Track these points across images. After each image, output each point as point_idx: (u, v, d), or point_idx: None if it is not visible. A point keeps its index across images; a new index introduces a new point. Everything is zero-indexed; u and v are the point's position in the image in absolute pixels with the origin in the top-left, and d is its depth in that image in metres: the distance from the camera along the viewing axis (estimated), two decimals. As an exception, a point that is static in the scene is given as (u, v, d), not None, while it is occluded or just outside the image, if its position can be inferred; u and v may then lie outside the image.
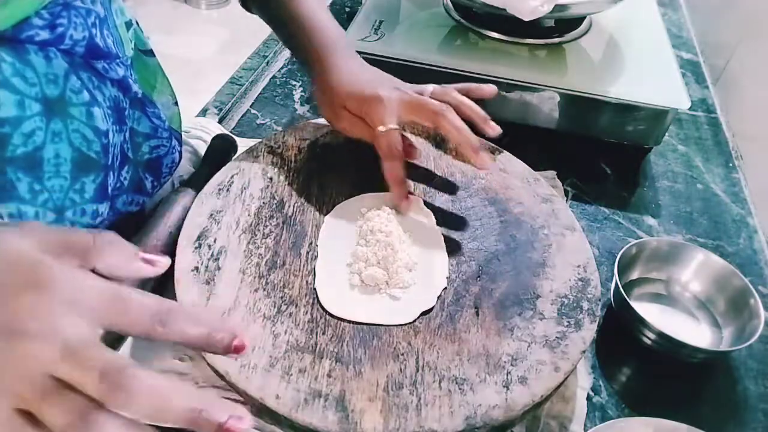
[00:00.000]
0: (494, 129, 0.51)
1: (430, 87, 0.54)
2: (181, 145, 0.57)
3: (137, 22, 0.53)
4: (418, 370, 0.40)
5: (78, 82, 0.43)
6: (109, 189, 0.46)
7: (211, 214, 0.49)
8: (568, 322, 0.44)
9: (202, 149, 0.63)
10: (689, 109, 0.67)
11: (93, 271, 0.29)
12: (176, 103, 0.57)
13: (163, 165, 0.55)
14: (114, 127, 0.46)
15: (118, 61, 0.47)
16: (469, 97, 0.53)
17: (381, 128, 0.50)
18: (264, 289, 0.44)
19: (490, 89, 0.55)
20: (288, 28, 0.59)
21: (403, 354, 0.41)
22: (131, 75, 0.49)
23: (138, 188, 0.51)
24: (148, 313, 0.26)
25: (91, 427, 0.23)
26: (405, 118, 0.51)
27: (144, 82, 0.53)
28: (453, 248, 0.49)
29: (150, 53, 0.55)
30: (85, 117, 0.43)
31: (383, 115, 0.50)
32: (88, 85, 0.44)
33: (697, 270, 0.56)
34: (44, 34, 0.40)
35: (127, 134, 0.49)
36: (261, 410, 0.38)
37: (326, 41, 0.57)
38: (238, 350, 0.27)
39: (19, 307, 0.25)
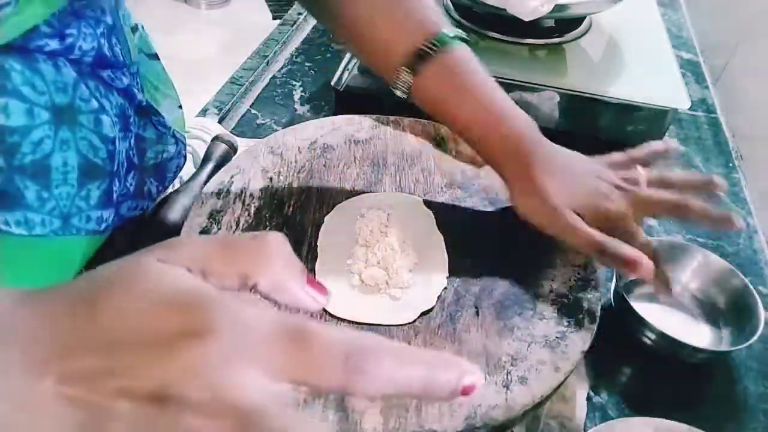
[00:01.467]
0: (722, 185, 0.48)
1: (642, 172, 0.47)
2: (185, 149, 0.57)
3: (142, 26, 0.53)
4: (418, 370, 0.40)
5: (86, 91, 0.43)
6: (115, 195, 0.47)
7: (211, 214, 0.49)
8: (568, 322, 0.44)
9: (202, 149, 0.63)
10: (689, 109, 0.67)
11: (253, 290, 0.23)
12: (180, 107, 0.57)
13: (168, 170, 0.55)
14: (120, 134, 0.46)
15: (124, 70, 0.47)
16: (655, 157, 0.50)
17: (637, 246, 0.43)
18: (264, 289, 0.44)
19: (675, 146, 0.51)
20: (460, 102, 0.49)
21: (403, 354, 0.41)
22: (136, 84, 0.49)
23: (143, 193, 0.51)
24: (342, 358, 0.19)
25: None
26: (638, 217, 0.46)
27: (149, 86, 0.53)
28: (453, 248, 0.49)
29: (155, 57, 0.55)
30: (93, 125, 0.43)
31: (632, 231, 0.45)
32: (96, 93, 0.44)
33: (697, 270, 0.56)
34: (53, 44, 0.40)
35: (132, 141, 0.49)
36: None
37: (520, 128, 0.48)
38: (467, 392, 0.20)
39: (174, 365, 0.19)
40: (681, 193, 0.47)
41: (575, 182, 0.46)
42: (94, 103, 0.43)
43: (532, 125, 0.48)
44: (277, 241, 0.24)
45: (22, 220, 0.40)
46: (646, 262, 0.42)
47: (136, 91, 0.48)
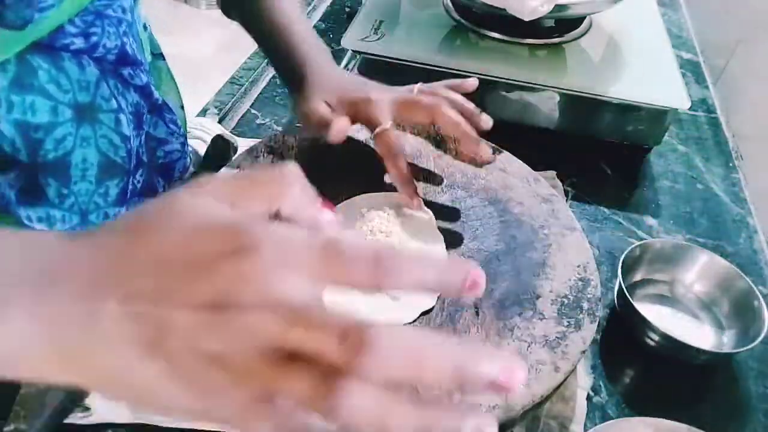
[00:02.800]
0: (486, 121, 0.51)
1: (417, 86, 0.53)
2: (188, 148, 0.58)
3: (149, 25, 0.54)
4: (418, 370, 0.40)
5: (107, 90, 0.43)
6: (128, 192, 0.47)
7: (211, 214, 0.49)
8: (568, 322, 0.44)
9: (202, 149, 0.63)
10: (689, 109, 0.67)
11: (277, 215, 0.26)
12: (182, 107, 0.58)
13: (175, 169, 0.55)
14: (133, 132, 0.47)
15: (142, 67, 0.47)
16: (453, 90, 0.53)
17: (378, 129, 0.49)
18: (264, 289, 0.44)
19: (472, 83, 0.54)
20: (270, 38, 0.57)
21: (403, 354, 0.41)
22: (152, 81, 0.49)
23: (150, 191, 0.52)
24: (370, 260, 0.22)
25: (338, 397, 0.19)
26: (400, 117, 0.51)
27: (154, 85, 0.53)
28: (453, 248, 0.49)
29: (160, 56, 0.55)
30: (113, 123, 0.44)
31: (378, 115, 0.49)
32: (115, 92, 0.44)
33: (700, 272, 0.56)
34: (79, 43, 0.41)
35: (143, 138, 0.49)
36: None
37: (311, 50, 0.56)
38: (473, 288, 0.22)
39: (226, 277, 0.21)
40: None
41: (346, 84, 0.52)
42: (114, 103, 0.44)
43: (322, 51, 0.56)
44: (293, 170, 0.26)
45: (44, 216, 0.41)
46: (340, 127, 0.49)
47: (153, 88, 0.49)
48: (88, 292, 0.21)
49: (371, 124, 0.50)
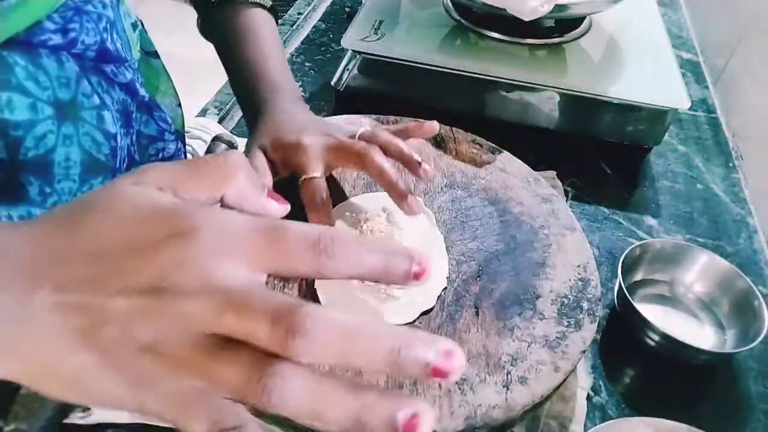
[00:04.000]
0: (426, 172, 0.47)
1: (360, 130, 0.50)
2: (185, 148, 0.57)
3: (142, 23, 0.53)
4: (418, 370, 0.40)
5: (89, 86, 0.43)
6: None
7: (211, 214, 0.49)
8: (568, 322, 0.44)
9: (202, 149, 0.63)
10: (689, 109, 0.67)
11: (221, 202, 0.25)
12: (180, 105, 0.57)
13: None
14: (122, 131, 0.47)
15: (126, 65, 0.47)
16: (410, 136, 0.51)
17: (304, 177, 0.47)
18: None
19: (430, 127, 0.51)
20: (237, 73, 0.56)
21: (403, 354, 0.41)
22: (138, 79, 0.49)
23: None
24: (311, 245, 0.21)
25: (271, 382, 0.19)
26: (331, 164, 0.48)
27: (148, 83, 0.53)
28: (453, 248, 0.49)
29: (154, 54, 0.55)
30: (95, 120, 0.43)
31: (305, 163, 0.47)
32: (98, 89, 0.44)
33: (700, 272, 0.56)
34: (57, 39, 0.40)
35: (134, 137, 0.49)
36: (261, 410, 0.38)
37: (272, 92, 0.53)
38: (418, 276, 0.22)
39: (165, 261, 0.20)
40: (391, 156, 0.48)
41: (283, 128, 0.50)
42: (96, 99, 0.43)
43: (280, 91, 0.53)
44: (238, 158, 0.26)
45: (25, 215, 0.40)
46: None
47: (138, 86, 0.49)
48: (22, 281, 0.21)
49: (300, 171, 0.47)
